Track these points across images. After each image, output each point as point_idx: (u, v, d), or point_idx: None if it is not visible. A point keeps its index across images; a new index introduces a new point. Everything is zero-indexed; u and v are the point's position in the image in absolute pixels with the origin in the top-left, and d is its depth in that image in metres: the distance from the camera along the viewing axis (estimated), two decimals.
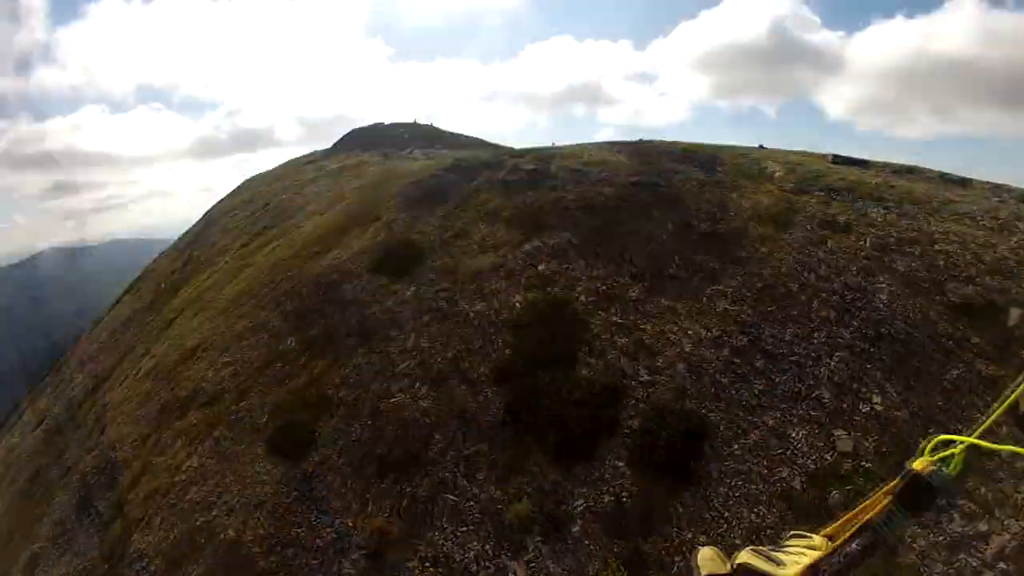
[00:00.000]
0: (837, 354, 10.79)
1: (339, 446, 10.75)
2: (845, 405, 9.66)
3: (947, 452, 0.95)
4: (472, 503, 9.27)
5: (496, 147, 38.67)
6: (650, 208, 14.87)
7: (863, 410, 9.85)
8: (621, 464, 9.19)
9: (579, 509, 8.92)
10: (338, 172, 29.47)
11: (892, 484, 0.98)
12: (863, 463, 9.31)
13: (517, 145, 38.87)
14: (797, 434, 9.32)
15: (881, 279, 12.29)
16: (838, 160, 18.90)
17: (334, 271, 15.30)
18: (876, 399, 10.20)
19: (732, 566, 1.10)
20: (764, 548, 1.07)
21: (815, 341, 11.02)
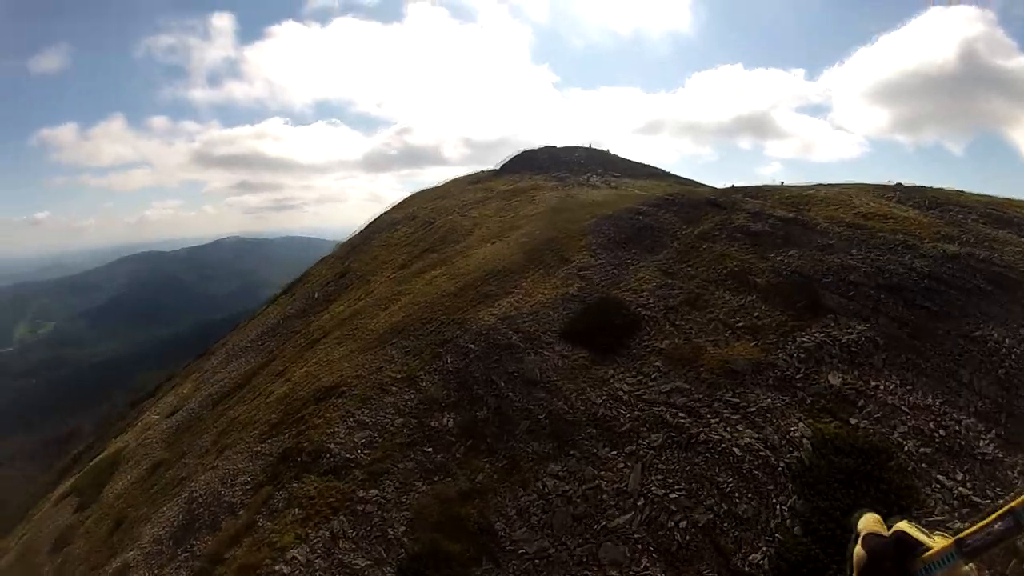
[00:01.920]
0: None
1: None
2: None
3: None
4: None
5: (681, 179, 33.83)
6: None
7: None
8: None
9: None
10: (509, 195, 26.50)
11: None
12: None
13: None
14: None
15: None
16: None
17: (511, 327, 11.46)
18: None
19: (890, 533, 1.16)
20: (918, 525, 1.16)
21: None
